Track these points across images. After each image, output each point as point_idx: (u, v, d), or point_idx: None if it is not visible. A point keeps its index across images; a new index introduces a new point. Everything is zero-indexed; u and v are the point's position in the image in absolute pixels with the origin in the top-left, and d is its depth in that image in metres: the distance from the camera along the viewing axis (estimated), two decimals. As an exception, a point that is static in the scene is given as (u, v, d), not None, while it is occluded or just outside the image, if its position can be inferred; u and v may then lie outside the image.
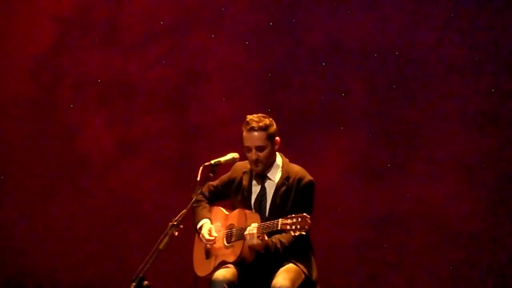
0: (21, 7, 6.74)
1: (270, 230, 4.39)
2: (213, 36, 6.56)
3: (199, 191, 4.51)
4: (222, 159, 4.60)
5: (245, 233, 4.41)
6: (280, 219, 4.32)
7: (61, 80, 6.74)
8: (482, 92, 6.19)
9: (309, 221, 4.27)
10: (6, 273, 6.72)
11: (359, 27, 6.36)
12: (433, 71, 6.26)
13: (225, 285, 4.40)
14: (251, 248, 4.44)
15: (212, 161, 4.53)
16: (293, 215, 4.29)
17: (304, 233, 4.29)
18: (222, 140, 6.22)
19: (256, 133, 4.57)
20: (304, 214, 4.29)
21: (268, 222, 4.41)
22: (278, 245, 4.46)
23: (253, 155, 4.57)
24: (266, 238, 4.44)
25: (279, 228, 4.32)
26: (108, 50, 6.68)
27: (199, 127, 6.58)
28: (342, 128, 6.39)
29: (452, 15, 6.25)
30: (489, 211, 6.14)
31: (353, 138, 6.35)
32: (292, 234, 4.29)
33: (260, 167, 4.60)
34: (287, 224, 4.28)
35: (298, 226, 4.27)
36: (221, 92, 6.54)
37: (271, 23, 6.49)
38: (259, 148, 4.57)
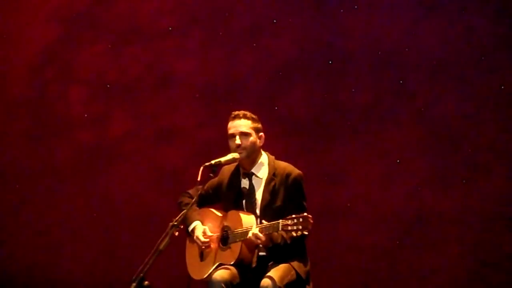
0: (20, 7, 6.83)
1: (271, 232, 4.38)
2: (220, 34, 6.61)
3: (192, 197, 4.56)
4: (223, 159, 4.60)
5: (248, 236, 4.41)
6: (280, 220, 4.29)
7: (57, 80, 6.83)
8: (489, 89, 6.16)
9: (311, 221, 4.23)
10: (4, 273, 6.80)
11: (365, 24, 6.35)
12: (440, 68, 6.25)
13: (223, 285, 4.41)
14: (260, 245, 4.45)
15: (213, 161, 4.53)
16: (294, 216, 4.26)
17: (306, 233, 4.25)
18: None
19: (241, 120, 4.63)
20: (305, 214, 4.25)
21: (268, 223, 4.39)
22: (284, 235, 4.44)
23: (236, 140, 4.59)
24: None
25: (280, 229, 4.30)
26: (114, 51, 6.76)
27: (206, 126, 6.63)
28: (349, 123, 6.40)
29: (462, 11, 6.22)
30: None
31: (357, 135, 6.35)
32: (294, 235, 4.26)
33: (243, 154, 4.61)
34: (288, 225, 4.25)
35: (300, 227, 4.23)
36: (227, 92, 6.57)
37: (275, 21, 6.51)
38: (244, 135, 4.61)
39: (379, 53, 6.32)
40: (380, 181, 6.31)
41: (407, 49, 6.29)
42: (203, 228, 4.66)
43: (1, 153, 6.84)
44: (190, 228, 4.70)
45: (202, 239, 4.62)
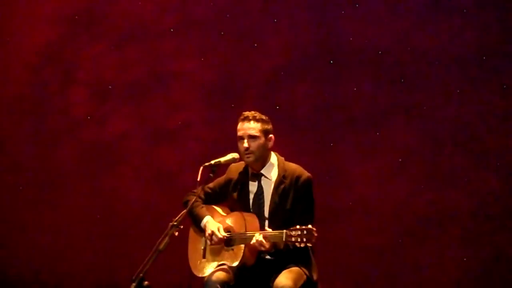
0: (20, 7, 6.81)
1: (274, 240, 4.39)
2: (222, 33, 6.60)
3: (196, 195, 4.55)
4: (222, 159, 4.60)
5: (251, 242, 4.41)
6: (284, 231, 4.31)
7: (57, 81, 6.82)
8: (491, 89, 6.15)
9: (315, 234, 4.26)
10: (4, 274, 6.78)
11: (366, 24, 6.34)
12: (441, 68, 6.24)
13: (218, 286, 4.41)
14: (262, 251, 4.46)
15: (212, 161, 4.53)
16: (298, 227, 4.28)
17: (310, 245, 4.28)
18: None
19: (250, 123, 4.60)
20: (310, 226, 4.28)
21: (272, 231, 4.42)
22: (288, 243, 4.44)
23: (244, 143, 4.57)
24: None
25: (283, 240, 4.32)
26: (114, 51, 6.74)
27: (207, 126, 6.62)
28: (349, 123, 6.39)
29: (464, 10, 6.21)
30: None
31: (358, 135, 6.34)
32: (297, 246, 4.28)
33: (251, 158, 4.59)
34: (291, 236, 4.28)
35: (304, 239, 4.26)
36: (227, 92, 6.56)
37: (275, 21, 6.49)
38: (252, 138, 4.58)
39: (380, 52, 6.31)
40: (381, 181, 6.30)
41: (408, 49, 6.28)
42: (218, 225, 4.61)
43: (1, 154, 6.82)
44: (203, 223, 4.65)
45: (220, 234, 4.56)
